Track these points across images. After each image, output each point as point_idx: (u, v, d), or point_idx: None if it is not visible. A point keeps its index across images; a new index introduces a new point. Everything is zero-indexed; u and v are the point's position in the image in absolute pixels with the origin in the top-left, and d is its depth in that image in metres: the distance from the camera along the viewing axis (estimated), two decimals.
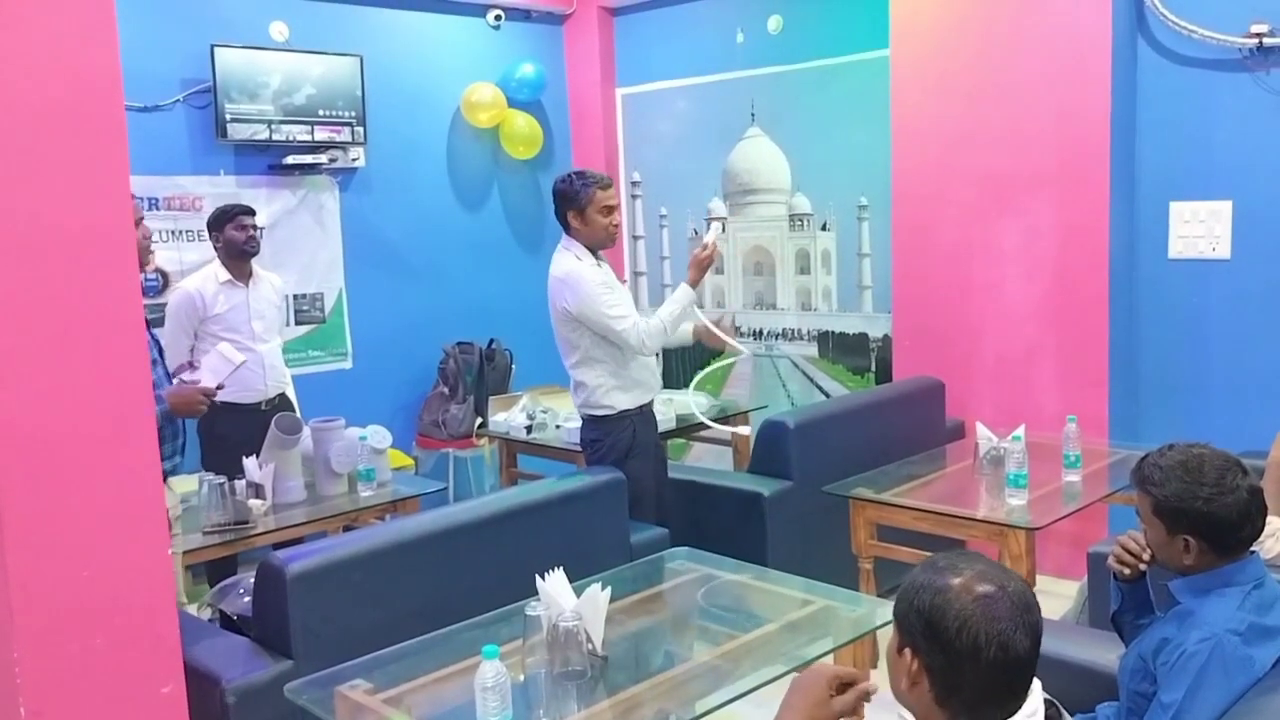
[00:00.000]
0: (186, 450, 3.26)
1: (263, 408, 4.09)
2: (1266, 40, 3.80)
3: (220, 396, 3.22)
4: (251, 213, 4.12)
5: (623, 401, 3.56)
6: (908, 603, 1.47)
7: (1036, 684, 1.46)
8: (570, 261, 3.51)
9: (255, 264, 4.17)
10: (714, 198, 5.74)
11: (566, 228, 3.58)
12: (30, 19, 1.92)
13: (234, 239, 4.02)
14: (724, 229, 3.72)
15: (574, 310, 3.47)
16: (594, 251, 3.57)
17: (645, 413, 3.66)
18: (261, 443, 3.65)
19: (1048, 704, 1.46)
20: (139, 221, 3.09)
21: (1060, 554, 4.09)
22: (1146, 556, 2.06)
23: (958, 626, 1.39)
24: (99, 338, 2.03)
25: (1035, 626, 1.43)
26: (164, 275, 4.68)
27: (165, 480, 3.06)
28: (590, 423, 3.63)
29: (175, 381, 3.18)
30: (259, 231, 4.14)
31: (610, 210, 3.53)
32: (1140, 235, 4.24)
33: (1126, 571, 2.11)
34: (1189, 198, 4.10)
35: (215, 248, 4.10)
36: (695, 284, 3.59)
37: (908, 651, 1.45)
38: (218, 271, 4.06)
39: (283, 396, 4.28)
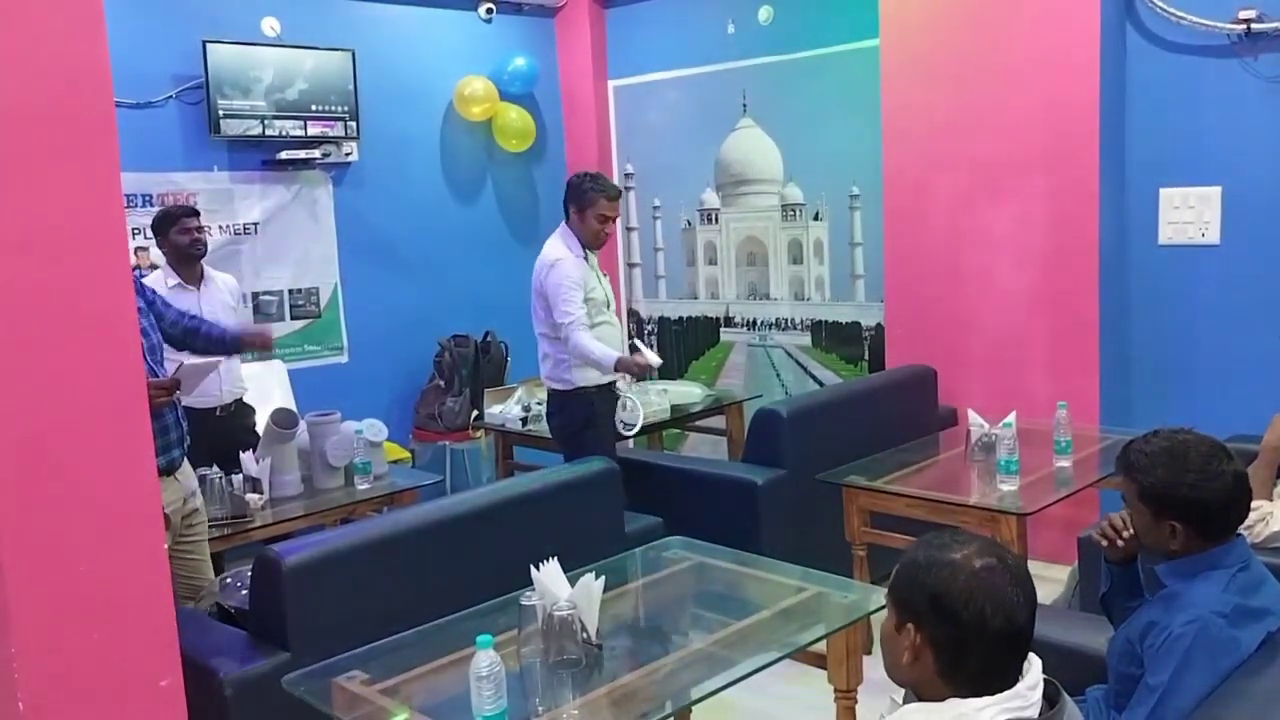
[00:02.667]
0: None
1: (218, 413, 4.01)
2: (1254, 26, 3.82)
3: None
4: (195, 214, 4.04)
5: (580, 379, 3.87)
6: (910, 578, 1.50)
7: (1036, 659, 1.48)
8: (560, 250, 3.86)
9: (206, 265, 4.08)
10: (707, 189, 5.75)
11: (566, 216, 3.92)
12: (17, 16, 1.92)
13: (178, 242, 3.93)
14: (658, 366, 3.99)
15: (545, 292, 3.83)
16: (585, 247, 3.90)
17: (604, 390, 3.92)
18: (216, 449, 3.65)
19: (1047, 682, 1.48)
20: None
21: (1052, 539, 4.11)
22: (1127, 534, 2.08)
23: (965, 599, 1.43)
24: (91, 334, 2.04)
25: (1032, 599, 1.48)
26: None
27: (172, 473, 3.10)
28: (553, 396, 4.01)
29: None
30: (204, 232, 4.05)
31: (606, 220, 3.88)
32: (1130, 221, 4.26)
33: (1109, 545, 2.14)
34: (1178, 184, 4.12)
35: (162, 252, 4.02)
36: (619, 369, 3.78)
37: (910, 628, 1.48)
38: (166, 276, 3.96)
39: (239, 402, 4.18)
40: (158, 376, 3.04)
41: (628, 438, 4.00)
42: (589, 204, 3.85)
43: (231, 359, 4.10)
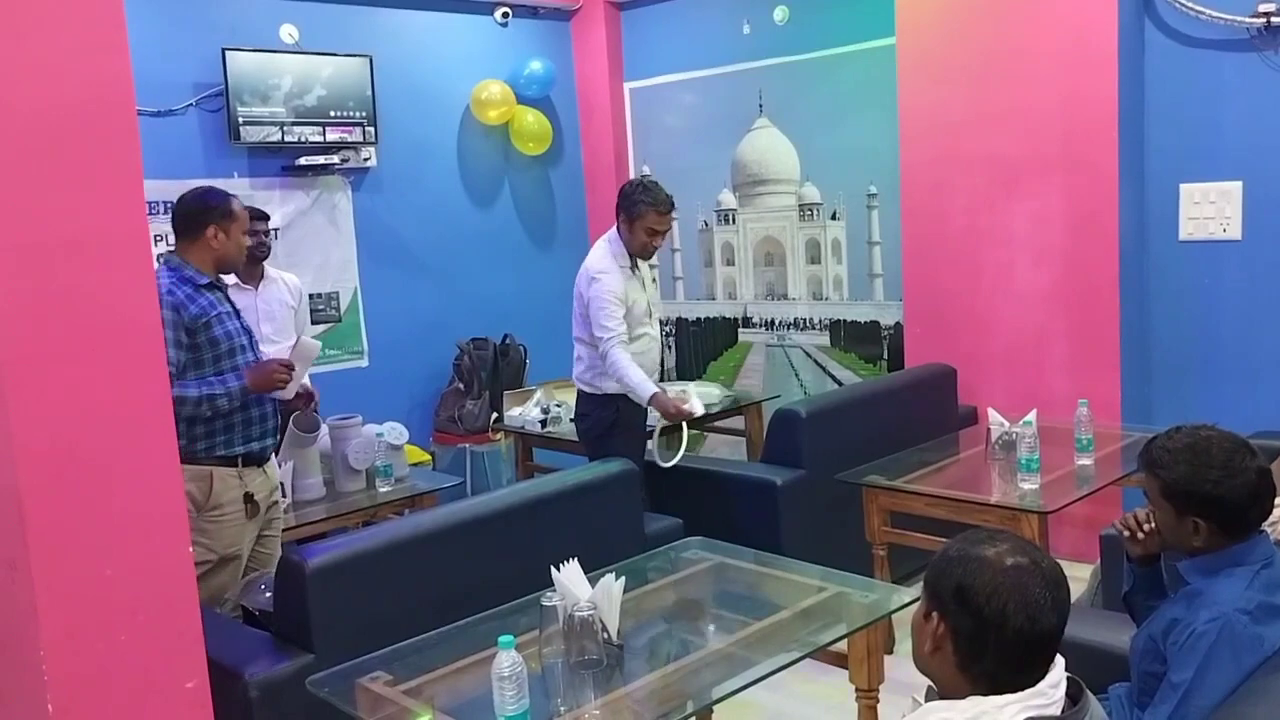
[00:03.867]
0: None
1: (282, 405, 4.08)
2: (1274, 19, 3.79)
3: None
4: (265, 218, 4.12)
5: (611, 386, 3.84)
6: (942, 568, 1.51)
7: (1059, 659, 1.48)
8: (604, 261, 3.84)
9: (269, 265, 4.17)
10: (724, 189, 5.75)
11: (618, 221, 3.88)
12: (41, 27, 1.95)
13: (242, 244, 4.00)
14: (701, 412, 4.03)
15: (584, 300, 3.84)
16: (632, 256, 3.88)
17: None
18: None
19: (1070, 680, 1.48)
20: (247, 232, 3.24)
21: (1074, 537, 4.09)
22: (1148, 527, 2.08)
23: (989, 593, 1.44)
24: (115, 341, 2.06)
25: (1063, 603, 1.47)
26: None
27: (264, 463, 3.18)
28: (582, 398, 4.00)
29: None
30: (270, 236, 4.14)
31: (655, 234, 3.82)
32: (1150, 218, 4.23)
33: (1131, 541, 2.13)
34: (1198, 179, 4.09)
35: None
36: (653, 404, 3.77)
37: (935, 616, 1.49)
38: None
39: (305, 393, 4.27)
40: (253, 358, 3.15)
41: (665, 467, 3.88)
42: (638, 216, 3.77)
43: (285, 354, 4.17)
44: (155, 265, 3.02)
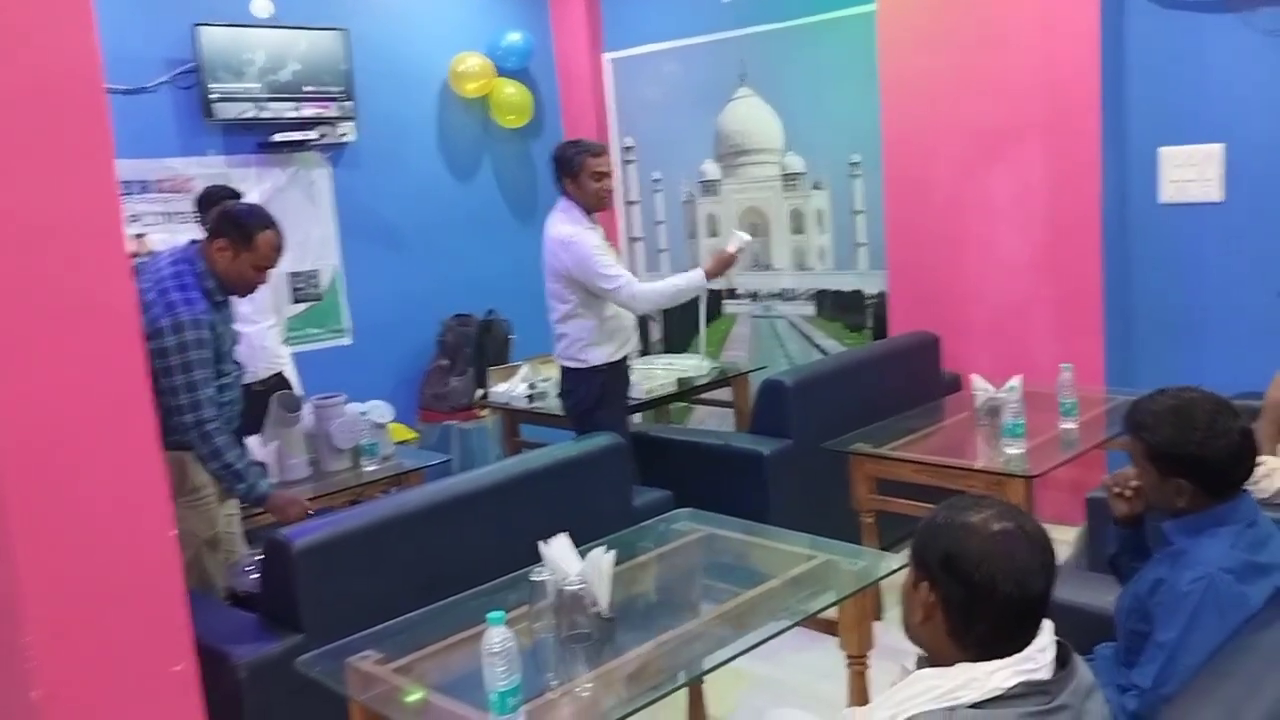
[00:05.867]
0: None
1: (255, 388, 4.00)
2: None
3: None
4: (237, 196, 4.06)
5: (596, 356, 3.84)
6: (928, 537, 1.51)
7: (1048, 622, 1.49)
8: (569, 226, 3.78)
9: None
10: (706, 160, 5.72)
11: (563, 192, 3.85)
12: (6, 4, 1.91)
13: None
14: (749, 240, 3.99)
15: (571, 271, 3.74)
16: (589, 214, 3.84)
17: (617, 368, 3.91)
18: (252, 424, 3.66)
19: (1058, 644, 1.49)
20: (263, 269, 3.08)
21: (1059, 501, 4.12)
22: (1134, 484, 2.09)
23: (977, 560, 1.44)
24: (93, 323, 2.04)
25: (1050, 567, 1.48)
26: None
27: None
28: (566, 374, 3.96)
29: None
30: None
31: (601, 176, 3.81)
32: (1130, 182, 4.23)
33: (1117, 500, 2.14)
34: (1180, 142, 4.09)
35: (203, 228, 4.07)
36: (712, 275, 3.86)
37: (924, 586, 1.49)
38: None
39: (279, 376, 4.25)
40: (238, 372, 3.12)
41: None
42: (580, 167, 3.77)
43: (268, 332, 4.14)
44: (175, 257, 3.00)
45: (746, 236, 3.92)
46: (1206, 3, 3.94)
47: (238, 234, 3.01)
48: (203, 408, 2.89)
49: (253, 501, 3.08)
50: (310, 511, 3.16)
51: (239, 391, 3.19)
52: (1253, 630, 1.84)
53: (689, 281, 3.84)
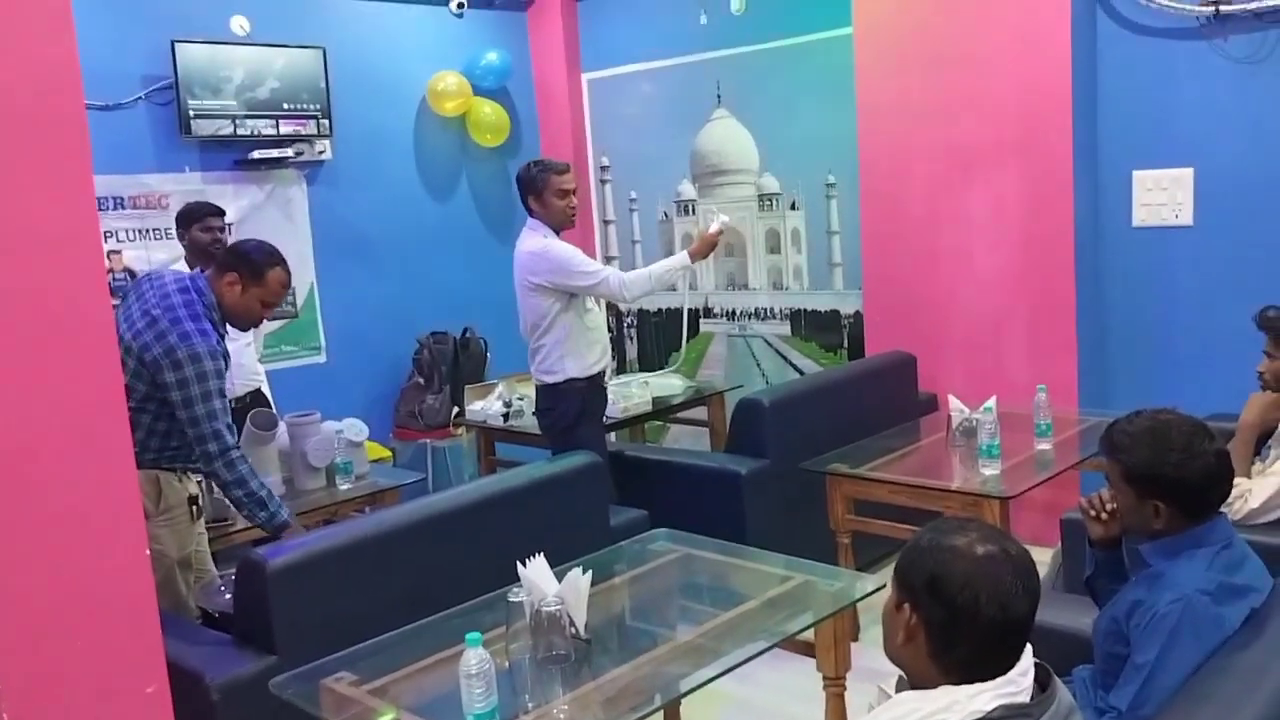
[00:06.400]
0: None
1: (233, 405, 4.02)
2: (1223, 8, 3.84)
3: None
4: (220, 213, 4.07)
5: (574, 368, 3.81)
6: (912, 559, 1.50)
7: (1028, 646, 1.49)
8: (539, 239, 3.79)
9: None
10: (683, 180, 5.74)
11: (530, 211, 3.87)
12: None
13: (199, 239, 3.95)
14: (728, 221, 4.00)
15: (548, 280, 3.74)
16: (556, 232, 3.85)
17: (594, 383, 3.89)
18: None
19: (1038, 666, 1.49)
20: (270, 306, 3.09)
21: (1034, 522, 4.14)
22: (1110, 507, 2.10)
23: (961, 583, 1.43)
24: (66, 340, 2.02)
25: (1034, 591, 1.48)
26: (132, 274, 4.63)
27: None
28: (542, 391, 3.92)
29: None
30: (225, 233, 4.08)
31: (565, 194, 3.83)
32: (1104, 204, 4.28)
33: (1093, 523, 2.15)
34: (1151, 166, 4.15)
35: (182, 244, 4.06)
36: (695, 257, 3.88)
37: (906, 607, 1.49)
38: (183, 269, 4.01)
39: (256, 394, 4.23)
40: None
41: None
42: (544, 186, 3.78)
43: (244, 349, 4.13)
44: (183, 284, 2.99)
45: (726, 218, 3.93)
46: (1177, 29, 4.01)
47: (248, 270, 3.03)
48: (225, 436, 2.92)
49: (272, 530, 3.04)
50: None
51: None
52: (1229, 652, 1.85)
53: (675, 263, 3.84)
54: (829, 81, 4.98)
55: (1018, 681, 1.44)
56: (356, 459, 3.85)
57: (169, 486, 3.00)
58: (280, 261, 3.10)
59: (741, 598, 2.68)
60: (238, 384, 4.05)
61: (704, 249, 3.89)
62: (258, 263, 3.04)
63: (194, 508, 3.07)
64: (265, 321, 4.00)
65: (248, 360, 4.22)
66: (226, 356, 3.04)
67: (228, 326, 3.23)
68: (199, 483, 3.18)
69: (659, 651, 2.39)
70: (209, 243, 3.99)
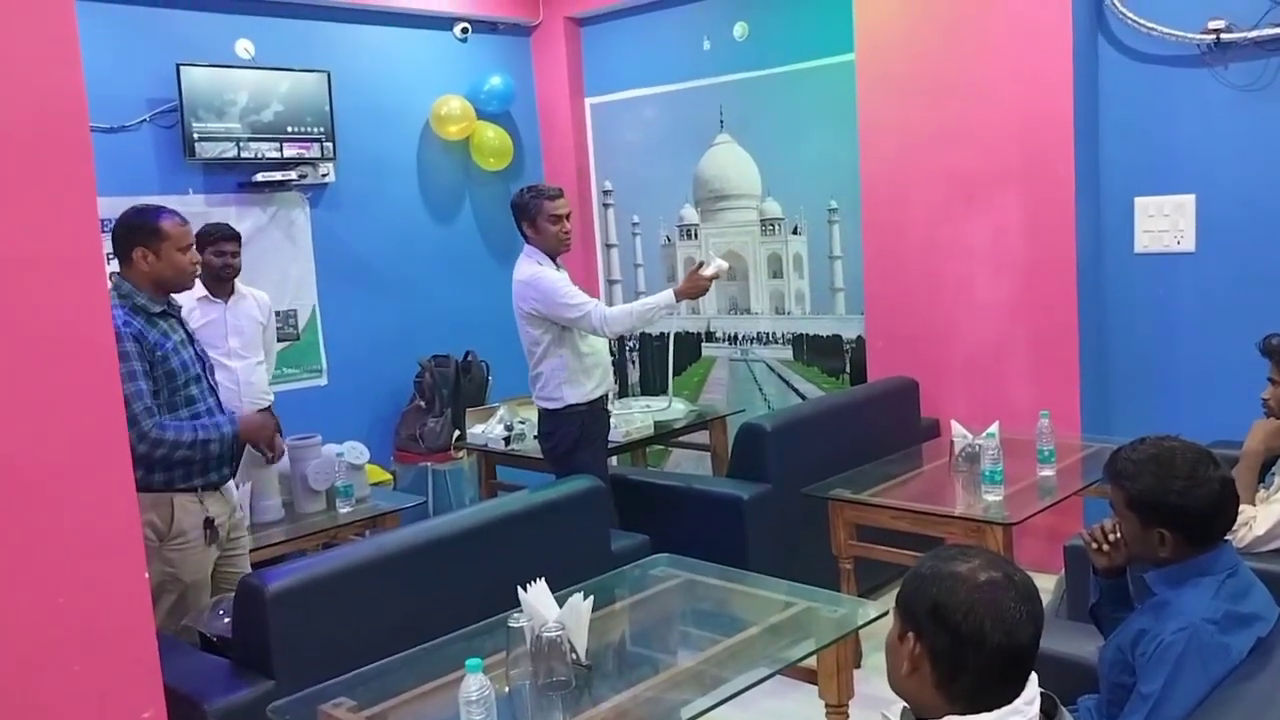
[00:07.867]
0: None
1: None
2: (1224, 36, 3.86)
3: None
4: (235, 238, 4.10)
5: (573, 395, 3.83)
6: (915, 587, 1.49)
7: (1033, 675, 1.47)
8: (532, 267, 3.82)
9: (239, 281, 4.16)
10: (686, 204, 5.76)
11: (525, 238, 3.90)
12: None
13: (210, 262, 3.97)
14: (727, 269, 3.94)
15: (539, 308, 3.77)
16: (552, 258, 3.88)
17: (594, 409, 3.90)
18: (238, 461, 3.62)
19: (1043, 696, 1.48)
20: (187, 248, 3.04)
21: (1037, 548, 4.11)
22: (1114, 538, 2.09)
23: (965, 611, 1.42)
24: (67, 360, 2.02)
25: (1038, 617, 1.47)
26: None
27: (221, 487, 3.14)
28: (544, 416, 3.94)
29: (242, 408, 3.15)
30: (238, 259, 4.11)
31: (558, 219, 3.84)
32: (1106, 231, 4.29)
33: (1097, 554, 2.14)
34: (1153, 192, 4.15)
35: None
36: (681, 297, 3.84)
37: (910, 637, 1.47)
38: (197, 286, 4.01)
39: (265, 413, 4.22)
40: (213, 387, 3.12)
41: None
42: (537, 212, 3.80)
43: (256, 368, 4.13)
44: (109, 289, 2.95)
45: (725, 264, 3.87)
46: (1178, 56, 4.03)
47: (142, 237, 2.96)
48: (140, 420, 2.81)
49: (235, 447, 3.09)
50: (275, 432, 3.31)
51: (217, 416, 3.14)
52: (1236, 681, 1.84)
53: (659, 301, 3.80)
54: (831, 108, 5.00)
55: (1024, 711, 1.43)
56: (357, 482, 3.84)
57: (182, 510, 2.98)
58: (160, 208, 3.04)
59: (743, 624, 2.67)
60: (245, 403, 4.05)
61: (691, 290, 3.82)
62: (143, 225, 2.98)
63: (209, 531, 3.04)
64: (234, 284, 4.07)
65: (257, 379, 4.21)
66: (140, 339, 2.90)
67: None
68: (228, 503, 3.18)
69: (660, 678, 2.37)
70: (220, 267, 4.02)
